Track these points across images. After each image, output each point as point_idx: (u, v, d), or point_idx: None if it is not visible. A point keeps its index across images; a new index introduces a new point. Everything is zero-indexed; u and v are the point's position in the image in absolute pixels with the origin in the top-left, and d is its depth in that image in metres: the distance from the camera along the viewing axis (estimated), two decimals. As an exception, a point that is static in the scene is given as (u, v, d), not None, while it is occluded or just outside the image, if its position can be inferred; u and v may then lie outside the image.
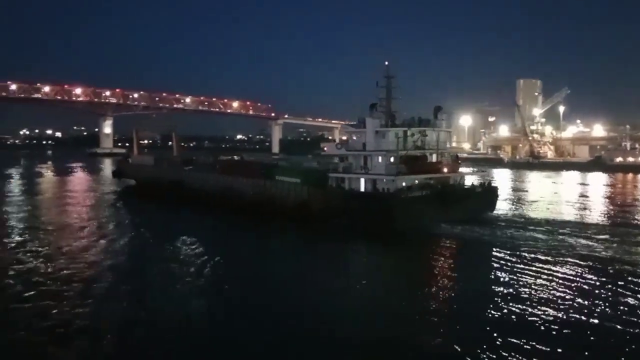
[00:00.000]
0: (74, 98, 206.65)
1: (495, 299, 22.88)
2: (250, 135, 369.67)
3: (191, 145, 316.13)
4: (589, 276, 26.36)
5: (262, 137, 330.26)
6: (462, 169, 47.51)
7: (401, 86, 46.44)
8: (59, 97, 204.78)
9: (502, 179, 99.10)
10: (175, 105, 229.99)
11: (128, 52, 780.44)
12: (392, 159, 41.94)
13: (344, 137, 48.35)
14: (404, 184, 40.91)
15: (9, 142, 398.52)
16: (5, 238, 37.12)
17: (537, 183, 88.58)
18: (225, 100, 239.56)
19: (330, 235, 38.10)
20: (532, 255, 30.61)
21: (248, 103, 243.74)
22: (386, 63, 45.75)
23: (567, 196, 66.57)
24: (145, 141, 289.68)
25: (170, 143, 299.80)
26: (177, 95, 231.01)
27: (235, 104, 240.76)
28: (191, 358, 17.48)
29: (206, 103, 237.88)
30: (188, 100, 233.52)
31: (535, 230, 38.33)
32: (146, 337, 19.08)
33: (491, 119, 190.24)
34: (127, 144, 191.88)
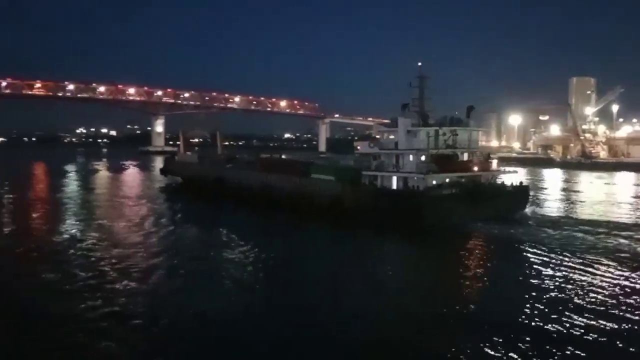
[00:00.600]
0: (127, 98, 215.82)
1: (524, 299, 22.93)
2: (298, 134, 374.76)
3: (240, 144, 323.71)
4: (625, 279, 25.78)
5: (309, 136, 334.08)
6: (495, 168, 48.31)
7: (434, 87, 48.41)
8: (113, 97, 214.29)
9: (551, 179, 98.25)
10: (224, 105, 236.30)
11: (179, 52, 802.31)
12: (422, 158, 43.47)
13: (377, 136, 50.08)
14: (434, 182, 42.35)
15: (66, 140, 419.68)
16: (64, 229, 40.86)
17: (588, 184, 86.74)
18: (274, 100, 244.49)
19: (362, 231, 39.80)
20: (568, 256, 30.45)
21: (296, 102, 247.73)
22: (419, 64, 47.32)
23: (617, 197, 65.49)
24: (196, 140, 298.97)
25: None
26: (226, 95, 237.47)
27: (283, 103, 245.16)
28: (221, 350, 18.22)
29: (255, 102, 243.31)
30: (237, 99, 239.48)
31: (577, 230, 38.15)
32: (181, 328, 20.00)
33: (543, 118, 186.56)
34: (177, 143, 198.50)
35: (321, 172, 49.18)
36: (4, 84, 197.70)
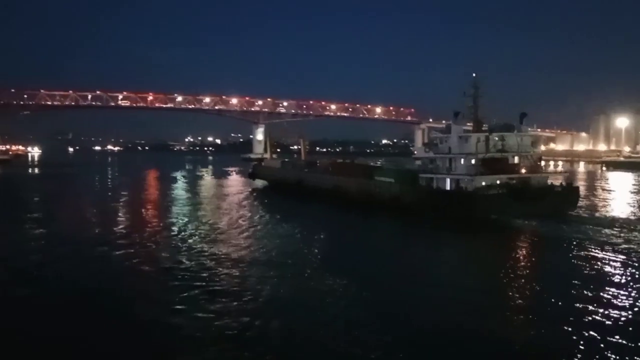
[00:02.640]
0: (230, 107, 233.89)
1: (571, 295, 24.63)
2: (395, 140, 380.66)
3: (337, 150, 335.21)
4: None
5: (406, 141, 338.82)
6: (549, 170, 53.08)
7: (487, 93, 53.24)
8: (217, 107, 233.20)
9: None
10: (321, 112, 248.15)
11: (279, 62, 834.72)
12: (473, 161, 49.69)
13: (427, 141, 56.83)
14: (483, 183, 48.28)
15: (175, 149, 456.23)
16: (173, 221, 50.64)
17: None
18: (369, 106, 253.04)
19: (415, 225, 46.34)
20: (621, 256, 32.53)
21: (391, 108, 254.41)
22: (474, 75, 53.48)
23: None
24: (295, 147, 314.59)
25: (317, 148, 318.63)
26: (323, 103, 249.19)
27: (379, 109, 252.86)
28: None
29: (350, 109, 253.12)
30: (333, 106, 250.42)
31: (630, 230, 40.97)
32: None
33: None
34: (278, 150, 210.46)
35: (383, 174, 56.94)
36: (120, 97, 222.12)
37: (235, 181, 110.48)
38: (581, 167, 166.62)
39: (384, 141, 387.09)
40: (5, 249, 37.00)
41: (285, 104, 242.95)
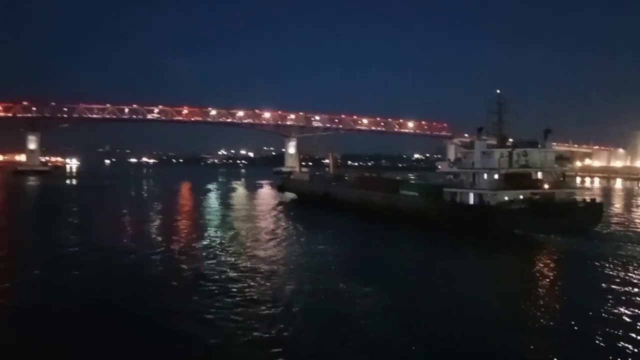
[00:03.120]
0: (263, 121, 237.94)
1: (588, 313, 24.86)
2: (427, 155, 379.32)
3: (369, 164, 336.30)
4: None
5: (439, 156, 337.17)
6: (574, 186, 53.81)
7: (517, 109, 54.79)
8: (250, 121, 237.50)
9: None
10: (352, 126, 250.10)
11: (311, 76, 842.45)
12: (496, 176, 50.85)
13: (458, 156, 58.11)
14: (505, 197, 49.39)
15: (209, 162, 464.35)
16: (206, 231, 53.27)
17: None
18: (401, 120, 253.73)
19: (438, 239, 47.78)
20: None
21: (423, 123, 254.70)
22: (497, 91, 54.78)
23: None
24: (327, 160, 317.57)
25: (349, 162, 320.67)
26: (354, 117, 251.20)
27: (411, 124, 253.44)
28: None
29: (382, 123, 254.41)
30: (365, 121, 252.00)
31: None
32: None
33: None
34: (310, 163, 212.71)
35: (408, 189, 58.49)
36: (156, 110, 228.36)
37: (266, 194, 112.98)
38: (618, 183, 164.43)
39: (417, 155, 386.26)
40: (42, 255, 39.18)
41: (317, 118, 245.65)
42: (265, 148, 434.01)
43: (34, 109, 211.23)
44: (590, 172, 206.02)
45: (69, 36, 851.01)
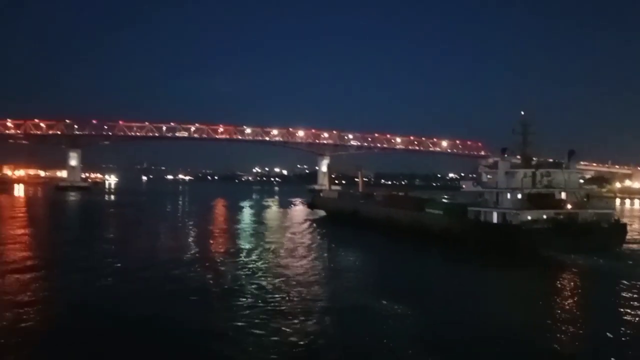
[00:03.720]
0: (296, 140, 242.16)
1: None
2: (462, 174, 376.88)
3: (403, 183, 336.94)
4: None
5: (474, 175, 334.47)
6: (598, 206, 54.83)
7: (538, 132, 56.35)
8: (284, 139, 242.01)
9: None
10: (386, 145, 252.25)
11: (346, 96, 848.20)
12: (519, 196, 52.40)
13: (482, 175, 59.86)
14: (528, 217, 50.82)
15: (243, 179, 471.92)
16: (240, 245, 56.12)
17: None
18: (435, 139, 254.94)
19: (462, 256, 49.01)
20: None
21: (458, 142, 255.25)
22: (522, 113, 56.60)
23: None
24: (359, 179, 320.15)
25: (382, 181, 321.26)
26: (388, 135, 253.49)
27: (445, 143, 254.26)
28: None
29: (416, 142, 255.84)
30: (399, 139, 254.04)
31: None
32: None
33: None
34: (343, 181, 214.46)
35: (434, 207, 60.40)
36: (192, 128, 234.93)
37: (298, 211, 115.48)
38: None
39: (451, 175, 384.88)
40: (80, 267, 41.21)
41: (350, 136, 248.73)
42: (299, 166, 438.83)
43: (75, 126, 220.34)
44: (630, 193, 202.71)
45: (111, 57, 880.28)
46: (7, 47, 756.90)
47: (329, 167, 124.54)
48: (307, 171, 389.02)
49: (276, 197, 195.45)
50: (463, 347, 23.58)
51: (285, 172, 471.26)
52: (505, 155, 56.73)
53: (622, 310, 30.01)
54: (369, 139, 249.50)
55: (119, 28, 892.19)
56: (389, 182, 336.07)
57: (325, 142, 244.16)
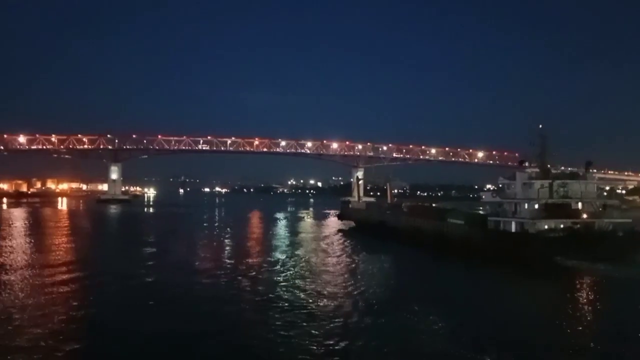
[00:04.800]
0: (330, 152, 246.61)
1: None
2: (500, 185, 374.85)
3: (439, 194, 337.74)
4: None
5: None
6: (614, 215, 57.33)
7: (550, 144, 59.12)
8: (318, 151, 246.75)
9: None
10: (421, 156, 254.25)
11: (379, 107, 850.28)
12: (536, 206, 55.46)
13: (500, 186, 63.04)
14: (545, 226, 53.81)
15: (279, 191, 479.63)
16: (271, 258, 59.24)
17: None
18: (470, 150, 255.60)
19: (482, 264, 51.89)
20: None
21: (494, 152, 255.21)
22: (540, 126, 59.77)
23: None
24: (395, 190, 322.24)
25: (418, 192, 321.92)
26: (422, 147, 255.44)
27: (481, 154, 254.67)
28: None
29: (451, 153, 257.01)
30: (433, 150, 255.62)
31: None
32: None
33: None
34: (378, 193, 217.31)
35: (455, 217, 63.74)
36: (228, 141, 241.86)
37: (330, 222, 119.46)
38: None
39: (488, 186, 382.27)
40: (121, 274, 44.21)
41: (384, 148, 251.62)
42: (334, 178, 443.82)
43: (116, 141, 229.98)
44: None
45: (150, 73, 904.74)
46: (56, 73, 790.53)
47: (357, 178, 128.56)
48: (341, 183, 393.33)
49: (311, 208, 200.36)
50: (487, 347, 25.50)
51: (320, 184, 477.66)
52: (526, 165, 59.76)
53: (625, 315, 32.41)
54: (403, 150, 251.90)
55: (154, 45, 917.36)
56: (425, 194, 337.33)
57: (358, 153, 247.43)
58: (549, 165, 59.21)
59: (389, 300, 35.75)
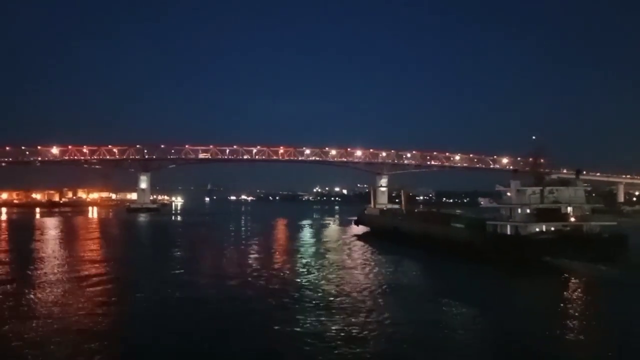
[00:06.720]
0: (355, 159, 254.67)
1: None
2: (497, 191, 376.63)
3: (465, 200, 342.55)
4: None
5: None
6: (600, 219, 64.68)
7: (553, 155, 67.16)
8: (343, 159, 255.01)
9: None
10: (445, 163, 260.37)
11: (404, 115, 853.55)
12: (528, 210, 63.23)
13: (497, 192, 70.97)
14: (536, 229, 61.42)
15: (304, 199, 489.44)
16: (296, 264, 63.18)
17: None
18: (495, 157, 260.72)
19: (482, 266, 58.21)
20: None
21: (519, 159, 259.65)
22: (533, 137, 67.65)
23: None
24: (421, 197, 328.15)
25: (444, 199, 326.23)
26: (447, 153, 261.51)
27: (505, 160, 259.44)
28: None
29: (476, 160, 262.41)
30: (457, 157, 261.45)
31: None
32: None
33: None
34: (397, 200, 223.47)
35: (457, 221, 71.84)
36: (254, 150, 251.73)
37: (352, 229, 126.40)
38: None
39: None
40: (152, 280, 47.60)
41: (408, 155, 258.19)
42: (358, 185, 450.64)
43: (145, 151, 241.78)
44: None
45: (180, 84, 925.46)
46: (89, 87, 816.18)
47: (372, 186, 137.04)
48: (367, 190, 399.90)
49: (336, 216, 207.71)
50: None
51: (345, 191, 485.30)
52: (517, 175, 67.69)
53: (607, 308, 38.41)
54: (428, 157, 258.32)
55: (180, 57, 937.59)
56: (450, 200, 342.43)
57: (382, 161, 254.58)
58: (547, 170, 66.98)
59: (405, 297, 42.01)
